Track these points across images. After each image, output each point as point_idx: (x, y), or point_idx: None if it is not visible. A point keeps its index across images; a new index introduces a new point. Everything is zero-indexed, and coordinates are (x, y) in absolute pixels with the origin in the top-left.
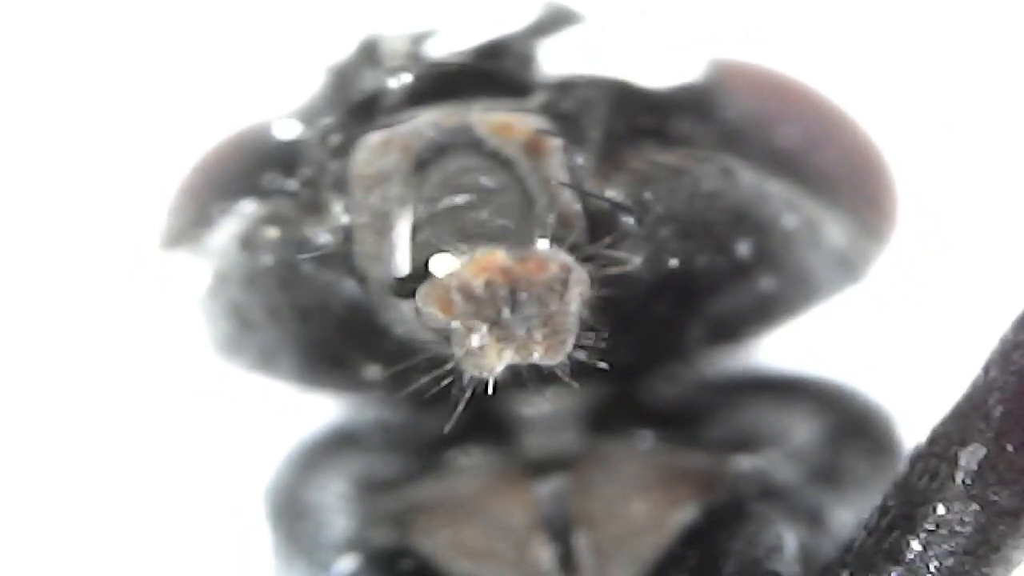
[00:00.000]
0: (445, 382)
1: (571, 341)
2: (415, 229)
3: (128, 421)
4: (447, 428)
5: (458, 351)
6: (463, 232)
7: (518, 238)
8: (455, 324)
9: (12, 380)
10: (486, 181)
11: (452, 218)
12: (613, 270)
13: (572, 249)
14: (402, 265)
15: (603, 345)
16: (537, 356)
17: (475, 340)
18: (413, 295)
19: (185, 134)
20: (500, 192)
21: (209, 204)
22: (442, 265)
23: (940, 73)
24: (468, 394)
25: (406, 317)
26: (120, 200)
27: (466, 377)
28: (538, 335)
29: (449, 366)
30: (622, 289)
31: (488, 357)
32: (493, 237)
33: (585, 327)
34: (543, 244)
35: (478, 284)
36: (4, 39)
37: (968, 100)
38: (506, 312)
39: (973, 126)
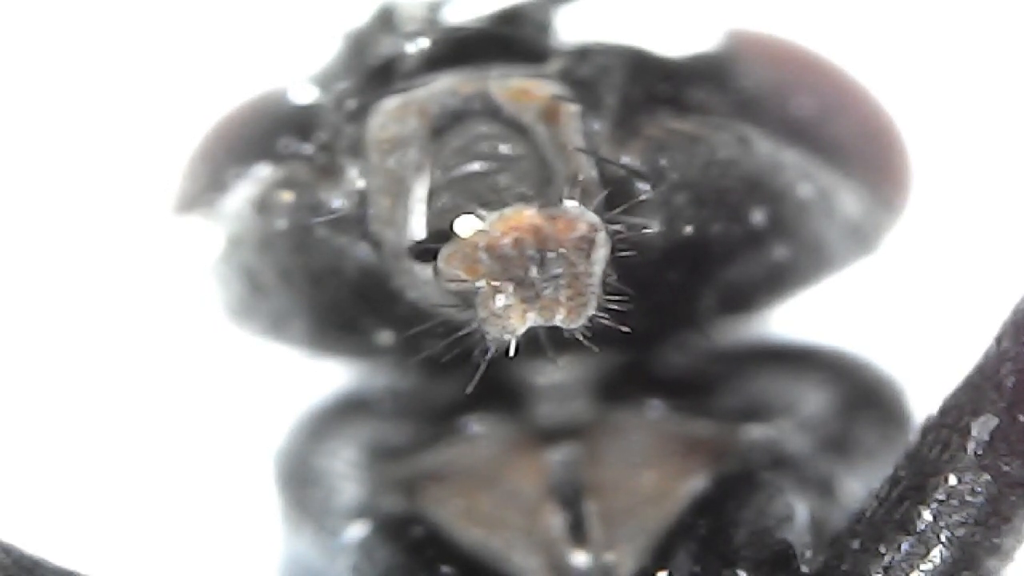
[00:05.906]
0: (458, 348)
1: (593, 304)
2: (432, 194)
3: (139, 385)
4: (467, 392)
5: (481, 312)
6: (481, 198)
7: (538, 202)
8: (479, 284)
9: (26, 343)
10: (503, 148)
11: (470, 184)
12: (630, 235)
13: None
14: (420, 229)
15: (622, 309)
16: (560, 318)
17: (500, 300)
18: (431, 259)
19: (201, 99)
20: (517, 159)
21: (224, 168)
22: (467, 225)
23: (954, 42)
24: (486, 359)
25: (420, 282)
26: (135, 166)
27: (482, 342)
28: (563, 296)
29: (463, 331)
30: (636, 256)
31: (512, 318)
32: (512, 202)
33: (606, 290)
34: (571, 203)
35: (506, 242)
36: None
37: (981, 68)
38: (533, 271)
39: (985, 97)
